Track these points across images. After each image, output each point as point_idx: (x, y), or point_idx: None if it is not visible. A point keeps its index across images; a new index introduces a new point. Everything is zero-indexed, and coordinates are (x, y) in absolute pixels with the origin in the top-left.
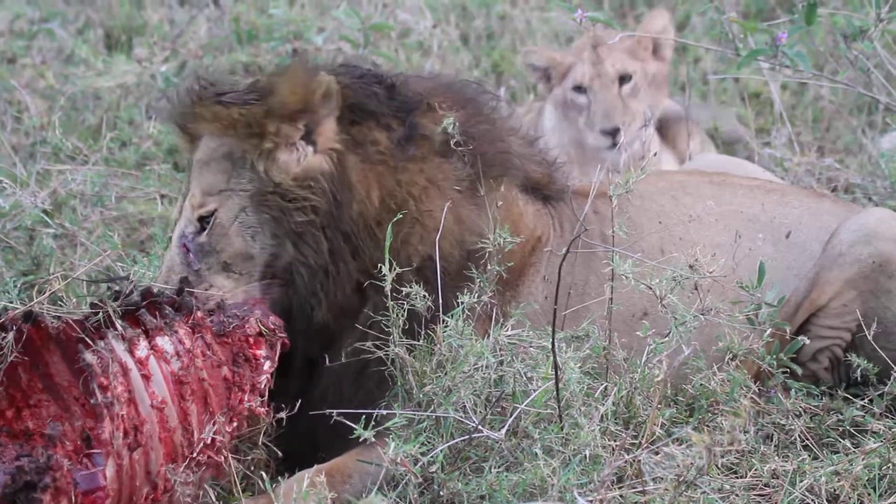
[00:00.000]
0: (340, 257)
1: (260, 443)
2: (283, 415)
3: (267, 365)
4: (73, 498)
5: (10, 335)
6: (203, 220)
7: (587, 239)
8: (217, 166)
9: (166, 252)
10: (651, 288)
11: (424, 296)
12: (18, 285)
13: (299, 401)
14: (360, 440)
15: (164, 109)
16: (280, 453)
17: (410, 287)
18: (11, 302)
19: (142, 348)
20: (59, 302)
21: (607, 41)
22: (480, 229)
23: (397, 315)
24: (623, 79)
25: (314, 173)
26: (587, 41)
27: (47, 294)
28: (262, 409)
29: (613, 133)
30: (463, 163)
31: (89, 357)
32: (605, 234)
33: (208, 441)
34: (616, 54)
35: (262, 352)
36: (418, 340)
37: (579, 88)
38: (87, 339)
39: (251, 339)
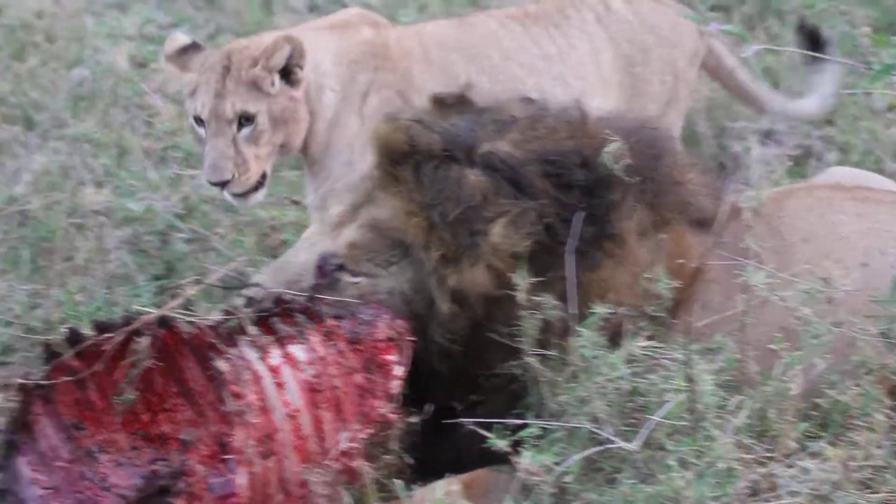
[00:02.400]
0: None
1: (392, 448)
2: (414, 419)
3: (398, 370)
4: (208, 502)
5: (145, 340)
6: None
7: (739, 258)
8: (384, 242)
9: (292, 248)
10: (783, 300)
11: (556, 305)
12: (152, 289)
13: (431, 406)
14: (494, 449)
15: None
16: (410, 460)
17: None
18: (145, 306)
19: (274, 356)
20: (192, 307)
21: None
22: (651, 271)
23: (529, 326)
24: (243, 120)
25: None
26: (219, 59)
27: (181, 299)
28: (394, 414)
29: (221, 185)
30: (642, 209)
31: (221, 365)
32: (757, 252)
33: (342, 448)
34: (242, 88)
35: (392, 357)
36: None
37: (199, 120)
38: (219, 345)
39: (381, 345)
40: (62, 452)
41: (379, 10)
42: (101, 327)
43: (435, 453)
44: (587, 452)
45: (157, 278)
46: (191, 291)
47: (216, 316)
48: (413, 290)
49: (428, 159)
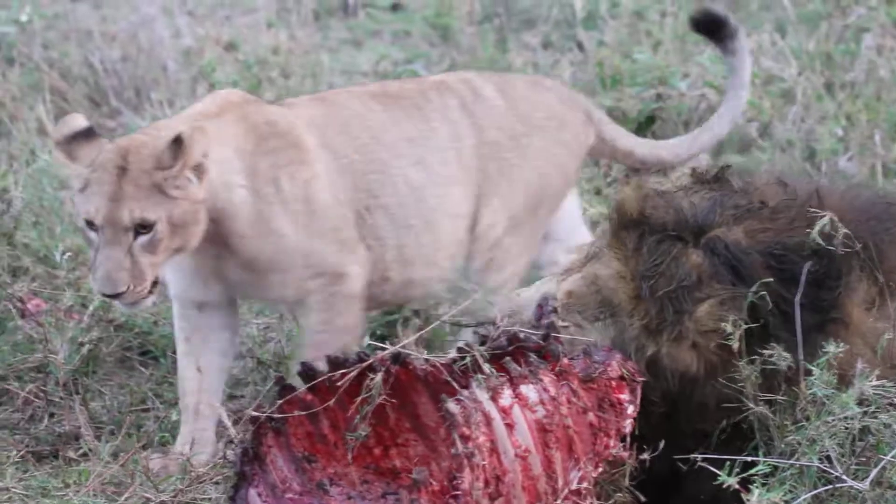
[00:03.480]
0: None
1: (625, 486)
2: (646, 456)
3: (630, 409)
4: None
5: (379, 376)
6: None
7: None
8: (597, 297)
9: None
10: None
11: (784, 356)
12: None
13: (662, 442)
14: (725, 486)
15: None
16: (642, 497)
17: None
18: (378, 341)
19: (506, 397)
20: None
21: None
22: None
23: (750, 374)
24: (140, 228)
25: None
26: (115, 158)
27: (415, 336)
28: (625, 452)
29: (114, 297)
30: (868, 284)
31: (452, 406)
32: None
33: (573, 487)
34: (141, 193)
35: (625, 396)
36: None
37: (91, 224)
38: (453, 382)
39: (614, 383)
40: (293, 484)
41: None
42: (336, 363)
43: (666, 493)
44: (817, 491)
45: (389, 313)
46: (425, 329)
47: (450, 353)
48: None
49: (654, 231)
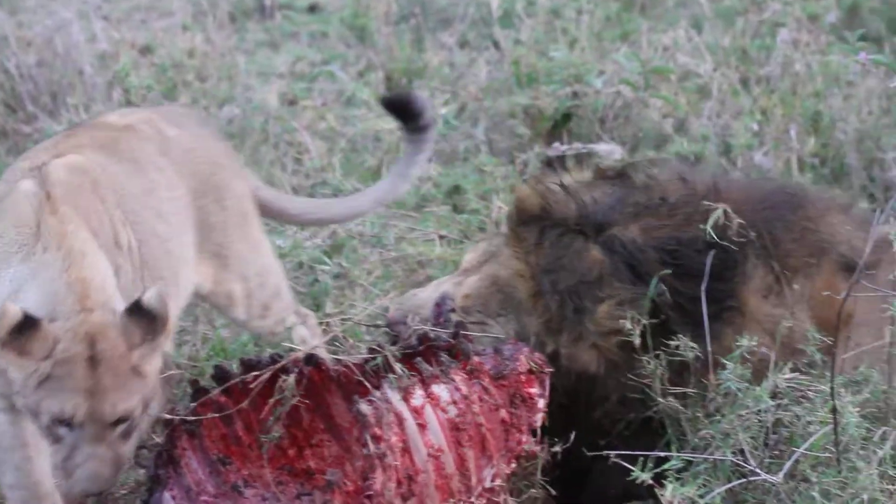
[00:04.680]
0: None
1: (537, 481)
2: (558, 448)
3: (541, 403)
4: None
5: (292, 377)
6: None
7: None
8: (498, 296)
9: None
10: None
11: (692, 346)
12: None
13: (573, 434)
14: (638, 482)
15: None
16: (553, 493)
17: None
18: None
19: (417, 397)
20: (338, 343)
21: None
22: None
23: (655, 367)
24: (119, 421)
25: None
26: (81, 348)
27: (328, 337)
28: (537, 447)
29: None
30: (764, 271)
31: (364, 407)
32: None
33: (487, 485)
34: (120, 381)
35: (535, 390)
36: (689, 388)
37: (65, 422)
38: (366, 382)
39: (524, 377)
40: (207, 486)
41: None
42: (248, 365)
43: (579, 487)
44: (731, 485)
45: None
46: (337, 329)
47: (362, 353)
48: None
49: (556, 225)
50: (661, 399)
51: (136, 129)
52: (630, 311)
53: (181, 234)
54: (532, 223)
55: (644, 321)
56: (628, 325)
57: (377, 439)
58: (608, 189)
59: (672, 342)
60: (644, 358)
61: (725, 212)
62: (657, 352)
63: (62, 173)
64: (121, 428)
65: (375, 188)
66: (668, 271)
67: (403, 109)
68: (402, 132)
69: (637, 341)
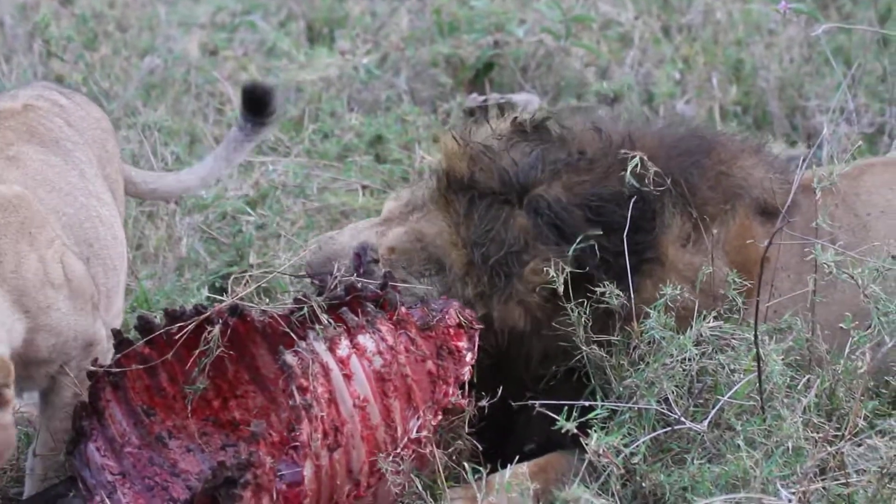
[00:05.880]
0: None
1: (463, 434)
2: (484, 403)
3: (469, 356)
4: (275, 493)
5: (217, 328)
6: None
7: (805, 235)
8: (423, 254)
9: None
10: (853, 278)
11: (617, 293)
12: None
13: (500, 389)
14: (563, 432)
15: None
16: (477, 447)
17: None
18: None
19: (343, 347)
20: (263, 295)
21: None
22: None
23: (580, 314)
24: None
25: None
26: None
27: (252, 287)
28: (464, 400)
29: None
30: (682, 220)
31: (289, 358)
32: (827, 229)
33: (413, 436)
34: None
35: (463, 343)
36: (614, 336)
37: None
38: (292, 333)
39: (452, 331)
40: (132, 438)
41: None
42: (173, 316)
43: (504, 438)
44: (655, 433)
45: (229, 265)
46: (261, 280)
47: (288, 304)
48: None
49: (483, 196)
50: (584, 348)
51: (36, 107)
52: (555, 265)
53: (115, 212)
54: (461, 191)
55: (568, 270)
56: (552, 272)
57: (303, 390)
58: (527, 148)
59: (596, 290)
60: (568, 306)
61: (642, 160)
62: (580, 299)
63: None
64: None
65: (202, 166)
66: (598, 232)
67: (259, 102)
68: (241, 119)
69: (560, 289)
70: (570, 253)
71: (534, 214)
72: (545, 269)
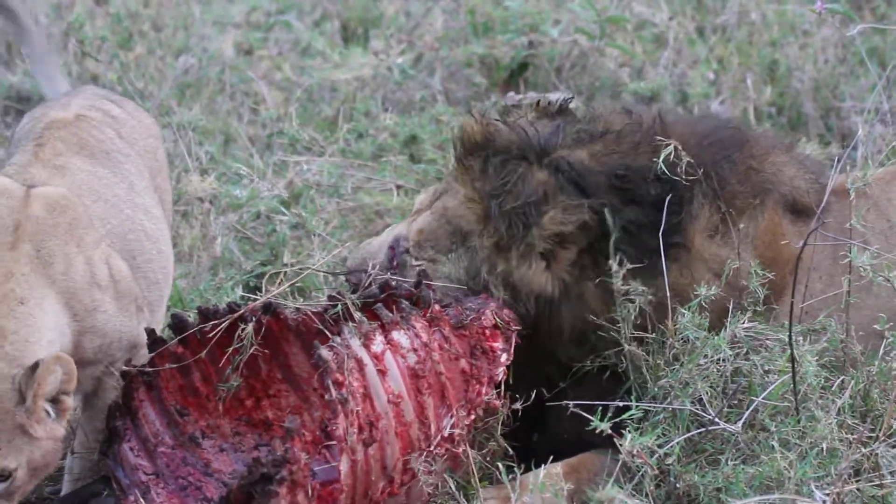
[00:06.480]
0: None
1: (497, 434)
2: (518, 405)
3: (504, 357)
4: (310, 490)
5: (250, 326)
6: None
7: (839, 237)
8: (448, 228)
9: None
10: (889, 281)
11: (643, 291)
12: (257, 276)
13: (534, 391)
14: (597, 432)
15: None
16: (509, 449)
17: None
18: (250, 293)
19: (378, 343)
20: (297, 294)
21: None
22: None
23: (628, 311)
24: None
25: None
26: None
27: (286, 286)
28: (499, 400)
29: None
30: (711, 211)
31: (325, 353)
32: (862, 232)
33: (446, 434)
34: (8, 437)
35: (498, 344)
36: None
37: None
38: (325, 331)
39: (488, 332)
40: (165, 438)
41: None
42: (206, 314)
43: (538, 439)
44: (689, 434)
45: (264, 265)
46: (295, 279)
47: (322, 302)
48: (468, 277)
49: (497, 153)
50: (626, 345)
51: (89, 118)
52: (573, 212)
53: (163, 225)
54: (476, 151)
55: (587, 224)
56: (572, 225)
57: (338, 384)
58: (549, 123)
59: (615, 269)
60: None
61: (676, 148)
62: (599, 275)
63: (40, 209)
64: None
65: None
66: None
67: None
68: None
69: (583, 244)
70: (590, 206)
71: (554, 171)
72: (564, 219)
